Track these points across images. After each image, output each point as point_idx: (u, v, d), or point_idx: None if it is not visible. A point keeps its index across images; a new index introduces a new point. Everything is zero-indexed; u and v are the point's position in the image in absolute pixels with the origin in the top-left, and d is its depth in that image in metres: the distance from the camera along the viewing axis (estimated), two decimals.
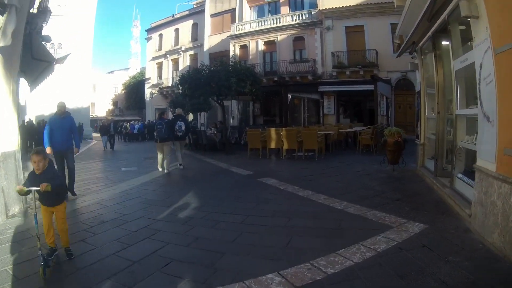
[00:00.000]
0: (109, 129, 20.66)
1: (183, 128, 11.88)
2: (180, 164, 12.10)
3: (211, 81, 14.37)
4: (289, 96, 20.05)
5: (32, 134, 20.17)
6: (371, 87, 20.55)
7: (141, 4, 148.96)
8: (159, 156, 11.53)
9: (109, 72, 66.59)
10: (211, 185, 8.93)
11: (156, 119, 13.43)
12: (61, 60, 10.98)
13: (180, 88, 15.99)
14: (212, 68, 15.23)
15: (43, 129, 7.76)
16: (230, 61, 16.17)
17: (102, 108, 58.40)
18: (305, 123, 23.45)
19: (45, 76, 9.69)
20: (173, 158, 12.20)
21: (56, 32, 37.03)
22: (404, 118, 22.99)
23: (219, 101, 16.05)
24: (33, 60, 9.66)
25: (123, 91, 57.16)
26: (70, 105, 36.00)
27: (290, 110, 23.15)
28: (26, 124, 21.31)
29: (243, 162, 13.09)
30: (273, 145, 14.13)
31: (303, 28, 26.63)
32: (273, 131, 14.05)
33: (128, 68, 66.48)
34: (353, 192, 7.41)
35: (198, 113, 26.47)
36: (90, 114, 49.78)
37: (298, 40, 27.13)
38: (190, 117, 30.37)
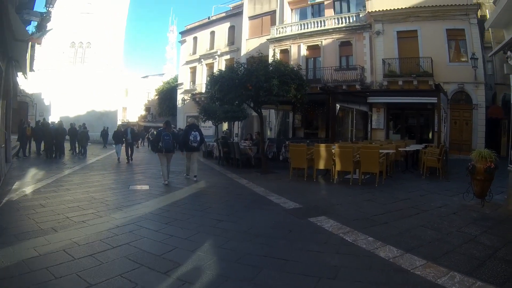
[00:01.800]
0: (125, 136, 17.15)
1: (198, 138, 11.29)
2: (195, 176, 11.41)
3: (248, 82, 11.56)
4: (337, 106, 17.00)
5: (46, 136, 18.01)
6: (433, 100, 17.39)
7: (177, 9, 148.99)
8: (163, 168, 10.88)
9: (143, 77, 65.40)
10: (241, 228, 5.94)
11: (162, 128, 11.24)
12: (37, 36, 8.47)
13: (210, 90, 13.23)
14: (249, 67, 12.39)
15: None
16: (270, 62, 13.30)
17: (134, 113, 57.22)
18: (353, 138, 20.32)
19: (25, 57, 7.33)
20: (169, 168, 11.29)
21: (84, 30, 36.81)
22: (460, 135, 20.60)
23: (256, 107, 13.21)
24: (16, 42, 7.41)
25: (156, 97, 55.36)
26: (97, 107, 35.24)
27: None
28: (40, 124, 19.19)
29: (285, 187, 10.22)
30: (322, 165, 11.17)
31: (351, 32, 24.06)
32: (322, 147, 11.09)
33: (163, 74, 64.99)
34: (456, 250, 4.78)
35: (232, 123, 23.79)
36: (122, 119, 49.99)
37: (344, 45, 24.47)
38: (224, 126, 27.89)
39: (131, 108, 56.83)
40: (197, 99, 34.49)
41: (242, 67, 12.44)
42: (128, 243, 5.02)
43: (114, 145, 17.93)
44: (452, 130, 20.58)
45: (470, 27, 20.13)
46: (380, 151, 10.57)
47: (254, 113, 14.94)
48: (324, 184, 10.72)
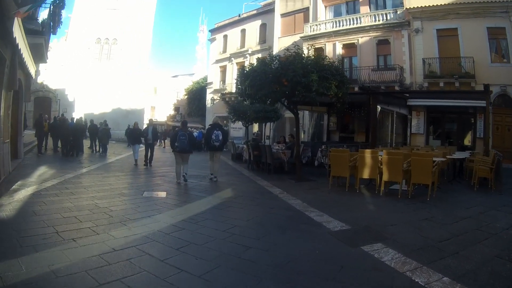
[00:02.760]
0: (145, 135, 14.61)
1: (221, 137, 11.16)
2: (215, 177, 11.29)
3: (283, 76, 10.05)
4: (378, 108, 15.31)
5: (63, 133, 17.06)
6: (481, 103, 16.40)
7: (207, 8, 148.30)
8: (177, 167, 10.81)
9: (173, 77, 64.92)
10: (276, 260, 4.40)
11: (179, 128, 11.71)
12: (24, 11, 7.22)
13: (239, 86, 11.75)
14: (283, 61, 10.81)
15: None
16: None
17: (163, 113, 56.25)
18: (393, 143, 18.52)
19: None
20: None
21: (111, 26, 36.18)
22: (502, 142, 18.68)
23: (291, 106, 11.71)
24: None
25: (185, 96, 54.38)
26: (123, 105, 34.48)
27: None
28: (58, 120, 18.23)
29: (325, 199, 8.69)
30: (366, 174, 9.56)
31: (388, 30, 22.41)
32: (368, 154, 9.49)
33: (193, 74, 64.17)
34: None
35: (263, 124, 22.23)
36: (150, 117, 48.89)
37: (382, 44, 22.77)
38: (255, 128, 26.44)
39: (160, 107, 55.87)
40: (226, 99, 33.13)
41: (276, 60, 10.92)
42: (120, 279, 3.64)
43: (131, 145, 16.51)
44: (494, 136, 18.61)
45: (511, 25, 18.50)
46: (434, 159, 8.93)
47: (287, 114, 13.42)
48: (370, 196, 9.09)
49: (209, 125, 12.57)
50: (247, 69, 11.44)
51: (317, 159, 14.34)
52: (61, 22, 11.58)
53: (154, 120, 47.17)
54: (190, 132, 11.82)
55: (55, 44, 32.85)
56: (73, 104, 31.15)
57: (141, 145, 15.48)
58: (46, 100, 29.23)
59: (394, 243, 5.10)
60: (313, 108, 19.80)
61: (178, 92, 58.46)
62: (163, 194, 8.73)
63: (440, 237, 5.43)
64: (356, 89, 20.45)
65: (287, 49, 10.86)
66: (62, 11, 11.27)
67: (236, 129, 29.39)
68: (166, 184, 10.40)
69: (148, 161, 14.64)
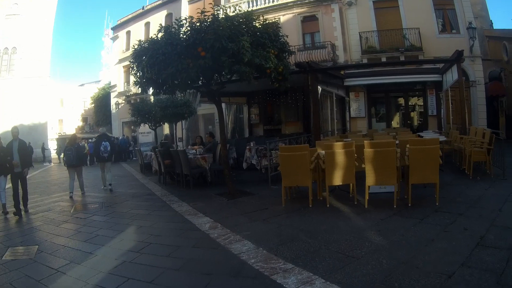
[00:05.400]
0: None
1: (109, 148, 10.89)
2: (110, 184, 10.93)
3: (199, 44, 6.59)
4: (319, 89, 12.39)
5: None
6: (434, 77, 15.80)
7: (112, 10, 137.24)
8: (70, 181, 10.32)
9: (80, 86, 59.51)
10: None
11: (67, 144, 10.33)
12: None
13: (135, 69, 7.85)
14: (198, 25, 7.05)
15: None
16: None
17: (71, 125, 51.29)
18: (335, 132, 15.74)
19: None
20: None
21: (11, 34, 31.35)
22: (459, 117, 16.68)
23: (213, 90, 8.25)
24: None
25: (92, 105, 49.60)
26: (25, 121, 29.45)
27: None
28: None
29: (287, 231, 5.29)
30: (339, 180, 6.41)
31: (315, 4, 20.18)
32: (339, 149, 6.33)
33: (99, 81, 58.86)
34: None
35: (174, 124, 18.15)
36: (59, 131, 47.49)
37: (308, 21, 20.48)
38: (166, 130, 22.39)
39: (68, 119, 51.36)
40: (131, 101, 29.44)
41: (186, 22, 7.24)
42: None
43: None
44: (448, 111, 16.98)
45: None
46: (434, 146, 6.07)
47: (200, 110, 9.92)
48: (350, 212, 5.96)
49: (97, 136, 12.30)
50: (146, 45, 7.65)
51: (246, 160, 11.19)
52: None
53: (62, 133, 42.74)
54: (78, 146, 11.43)
55: None
56: None
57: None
58: None
59: None
60: (231, 99, 18.03)
61: (85, 102, 53.66)
62: (33, 249, 5.16)
63: None
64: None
65: (202, 11, 7.20)
66: None
67: (145, 133, 25.26)
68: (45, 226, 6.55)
69: (18, 206, 8.13)
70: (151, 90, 8.55)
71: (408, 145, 6.20)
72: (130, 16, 32.60)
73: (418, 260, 3.81)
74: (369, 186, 6.12)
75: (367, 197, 6.11)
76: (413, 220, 5.20)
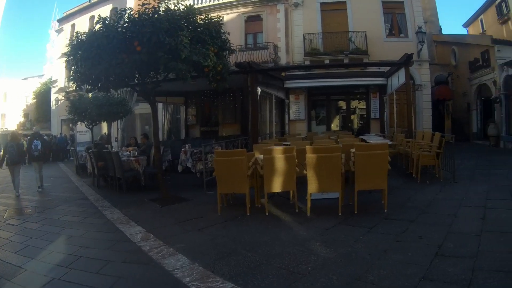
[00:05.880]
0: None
1: (39, 147, 10.69)
2: (39, 187, 10.61)
3: (135, 38, 6.05)
4: (259, 90, 12.08)
5: None
6: (378, 81, 16.52)
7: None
8: (13, 179, 10.14)
9: (23, 79, 55.44)
10: None
11: (9, 140, 9.97)
12: None
13: (72, 64, 6.96)
14: (136, 17, 6.49)
15: None
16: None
17: (13, 120, 48.28)
18: (273, 134, 15.53)
19: None
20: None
21: None
22: (402, 121, 17.28)
23: (147, 89, 7.64)
24: None
25: (34, 100, 47.06)
26: None
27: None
28: None
29: (225, 242, 4.90)
30: (278, 186, 6.11)
31: (261, 4, 19.83)
32: (279, 153, 6.03)
33: (43, 75, 55.21)
34: None
35: (110, 124, 17.08)
36: (1, 127, 45.38)
37: (252, 21, 20.14)
38: (104, 128, 21.03)
39: (11, 114, 48.13)
40: (71, 98, 27.40)
41: (125, 14, 6.64)
42: None
43: None
44: (391, 115, 17.42)
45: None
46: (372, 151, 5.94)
47: (137, 109, 9.36)
48: (291, 221, 5.68)
49: (30, 135, 11.95)
50: (83, 37, 6.86)
51: (181, 163, 10.79)
52: None
53: (4, 129, 40.02)
54: (19, 143, 11.01)
55: None
56: None
57: None
58: None
59: None
60: (168, 99, 17.76)
61: (27, 96, 50.46)
62: None
63: None
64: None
65: (143, 4, 6.61)
66: None
67: (83, 132, 23.84)
68: None
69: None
70: (87, 87, 7.74)
71: (353, 150, 5.99)
72: (76, 9, 31.08)
73: (373, 275, 3.56)
74: (311, 193, 5.86)
75: (309, 204, 5.87)
76: (361, 229, 5.02)
